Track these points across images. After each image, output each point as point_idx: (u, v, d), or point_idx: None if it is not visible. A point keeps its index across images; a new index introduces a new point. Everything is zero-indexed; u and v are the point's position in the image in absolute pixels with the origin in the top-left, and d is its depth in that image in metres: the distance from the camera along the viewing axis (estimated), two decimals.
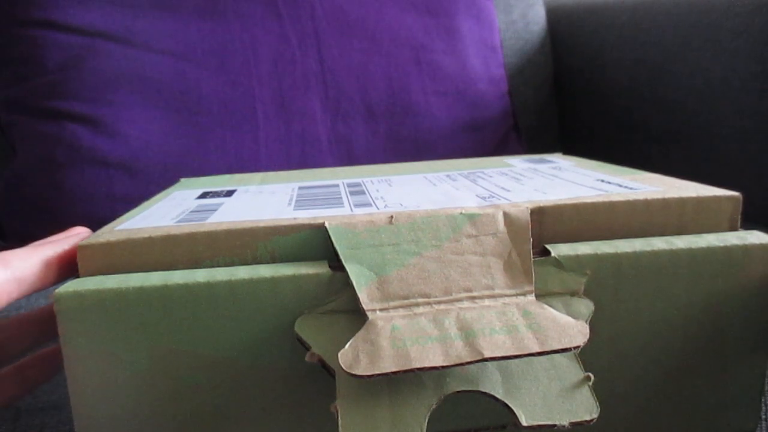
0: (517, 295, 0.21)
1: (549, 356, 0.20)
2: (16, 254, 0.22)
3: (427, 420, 0.19)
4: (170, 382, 0.21)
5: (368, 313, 0.20)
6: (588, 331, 0.20)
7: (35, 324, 0.26)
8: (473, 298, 0.21)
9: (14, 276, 0.21)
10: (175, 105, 0.53)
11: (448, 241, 0.22)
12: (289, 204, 0.26)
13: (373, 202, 0.26)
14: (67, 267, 0.23)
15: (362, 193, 0.28)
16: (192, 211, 0.26)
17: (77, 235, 0.25)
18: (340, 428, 0.19)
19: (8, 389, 0.25)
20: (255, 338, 0.21)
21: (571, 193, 0.25)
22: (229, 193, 0.30)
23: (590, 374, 0.20)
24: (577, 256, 0.22)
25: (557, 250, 0.22)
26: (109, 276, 0.21)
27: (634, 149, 0.63)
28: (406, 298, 0.21)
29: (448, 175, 0.32)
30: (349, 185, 0.30)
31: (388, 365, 0.18)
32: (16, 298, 0.21)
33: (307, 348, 0.20)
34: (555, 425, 0.19)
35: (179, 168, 0.52)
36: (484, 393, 0.20)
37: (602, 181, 0.28)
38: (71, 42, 0.51)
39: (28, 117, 0.51)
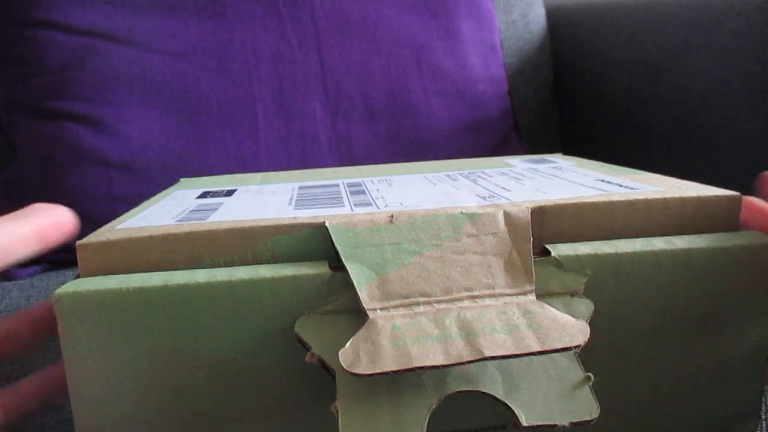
0: (517, 294, 0.21)
1: (549, 356, 0.20)
2: None
3: (427, 420, 0.19)
4: (170, 382, 0.21)
5: (369, 312, 0.20)
6: (588, 330, 0.20)
7: (31, 323, 0.25)
8: (474, 297, 0.21)
9: None
10: (175, 105, 0.53)
11: (449, 240, 0.22)
12: (290, 204, 0.26)
13: (374, 201, 0.26)
14: (39, 242, 0.23)
15: (362, 192, 0.28)
16: (192, 211, 0.26)
17: (52, 209, 0.24)
18: (340, 428, 0.19)
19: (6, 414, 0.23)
20: (255, 338, 0.21)
21: (571, 192, 0.25)
22: (230, 193, 0.30)
23: (590, 374, 0.20)
24: (577, 256, 0.22)
25: (557, 250, 0.22)
26: (109, 276, 0.21)
27: (634, 149, 0.63)
28: (407, 297, 0.21)
29: (448, 175, 0.32)
30: (349, 185, 0.30)
31: (388, 364, 0.18)
32: None
33: (307, 348, 0.20)
34: (555, 425, 0.19)
35: (179, 168, 0.52)
36: (485, 393, 0.20)
37: (602, 180, 0.28)
38: (71, 42, 0.51)
39: (29, 117, 0.51)
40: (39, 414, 0.24)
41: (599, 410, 0.19)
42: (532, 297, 0.21)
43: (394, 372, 0.18)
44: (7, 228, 0.22)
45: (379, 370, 0.18)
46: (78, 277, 0.22)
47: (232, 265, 0.22)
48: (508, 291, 0.21)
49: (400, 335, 0.19)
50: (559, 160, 0.36)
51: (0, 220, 0.23)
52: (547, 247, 0.22)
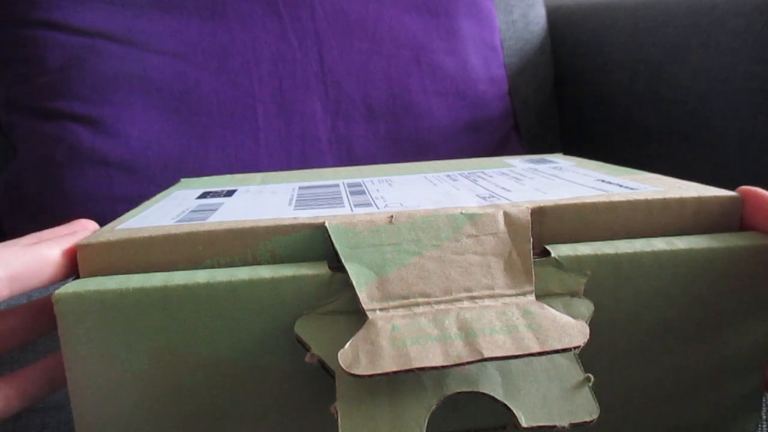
0: (517, 295, 0.21)
1: (549, 357, 0.20)
2: (8, 251, 0.22)
3: (426, 421, 0.19)
4: (170, 383, 0.21)
5: (368, 313, 0.20)
6: (588, 331, 0.20)
7: (32, 315, 0.25)
8: (473, 297, 0.21)
9: (5, 274, 0.21)
10: (176, 105, 0.53)
11: (449, 240, 0.22)
12: (290, 204, 0.26)
13: (374, 201, 0.26)
14: (71, 265, 0.23)
15: (362, 193, 0.28)
16: (192, 211, 0.26)
17: (82, 232, 0.24)
18: (340, 429, 0.19)
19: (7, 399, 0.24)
20: (255, 339, 0.21)
21: (571, 193, 0.25)
22: (230, 193, 0.30)
23: (590, 375, 0.20)
24: (577, 257, 0.22)
25: (557, 250, 0.22)
26: (109, 277, 0.21)
27: (635, 149, 0.63)
28: (406, 297, 0.21)
29: (448, 175, 0.32)
30: (349, 185, 0.30)
31: (388, 365, 0.18)
32: (7, 296, 0.21)
33: (307, 349, 0.20)
34: (555, 426, 0.19)
35: (179, 168, 0.53)
36: (484, 394, 0.20)
37: (603, 181, 0.28)
38: (72, 42, 0.51)
39: (29, 117, 0.51)
40: (45, 398, 0.25)
41: (599, 410, 0.19)
42: (531, 297, 0.21)
43: (394, 373, 0.18)
44: (36, 251, 0.22)
45: (378, 371, 0.18)
46: (78, 277, 0.22)
47: (233, 266, 0.22)
48: (507, 291, 0.21)
49: (399, 336, 0.19)
50: (559, 160, 0.36)
51: (32, 243, 0.23)
52: (547, 247, 0.22)
